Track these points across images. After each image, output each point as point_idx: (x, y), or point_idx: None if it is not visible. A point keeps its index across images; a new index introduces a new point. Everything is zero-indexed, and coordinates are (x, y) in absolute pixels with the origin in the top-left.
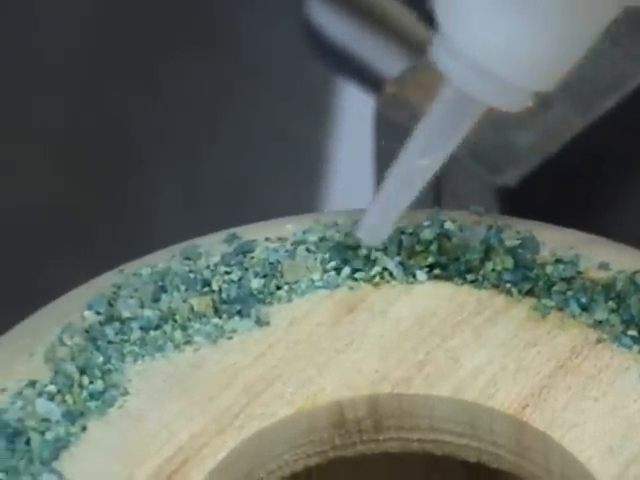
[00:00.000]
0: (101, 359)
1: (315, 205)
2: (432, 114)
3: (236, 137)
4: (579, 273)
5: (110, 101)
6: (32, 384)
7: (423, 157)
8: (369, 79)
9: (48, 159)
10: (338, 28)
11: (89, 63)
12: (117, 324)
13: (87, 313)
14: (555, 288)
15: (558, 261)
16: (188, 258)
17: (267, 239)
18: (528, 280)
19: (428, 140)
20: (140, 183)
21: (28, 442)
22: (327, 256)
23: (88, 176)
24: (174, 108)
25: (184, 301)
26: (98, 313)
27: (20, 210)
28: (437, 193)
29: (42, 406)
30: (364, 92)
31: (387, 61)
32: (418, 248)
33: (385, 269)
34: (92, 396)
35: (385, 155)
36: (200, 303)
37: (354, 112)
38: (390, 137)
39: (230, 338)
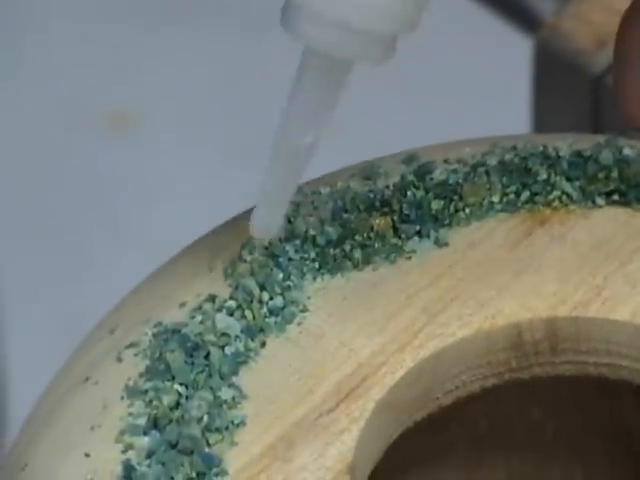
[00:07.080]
0: (281, 275)
1: None
2: (301, 89)
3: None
4: None
5: None
6: (212, 299)
7: (305, 135)
8: (524, 19)
9: None
10: None
11: None
12: (297, 241)
13: None
14: None
15: None
16: (367, 178)
17: (446, 161)
18: None
19: (306, 116)
20: None
21: (207, 356)
22: (506, 179)
23: None
24: None
25: (363, 220)
26: None
27: None
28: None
29: (222, 321)
30: (520, 32)
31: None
32: (599, 174)
33: (564, 193)
34: (272, 312)
35: (545, 92)
36: (379, 223)
37: (511, 52)
38: (551, 71)
39: (409, 258)
